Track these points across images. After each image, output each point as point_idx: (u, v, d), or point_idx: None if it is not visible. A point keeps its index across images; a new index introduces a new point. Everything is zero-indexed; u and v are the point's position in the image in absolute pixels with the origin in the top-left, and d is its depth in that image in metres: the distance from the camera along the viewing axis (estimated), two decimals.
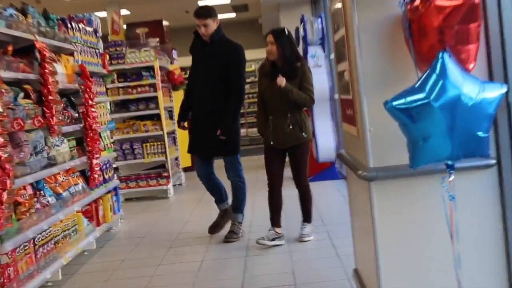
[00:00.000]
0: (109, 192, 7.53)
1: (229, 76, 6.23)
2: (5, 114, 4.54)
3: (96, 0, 14.58)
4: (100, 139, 7.44)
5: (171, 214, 9.04)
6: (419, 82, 2.71)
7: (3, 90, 4.85)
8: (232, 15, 19.60)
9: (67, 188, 6.10)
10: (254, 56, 20.10)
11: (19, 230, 4.87)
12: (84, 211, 6.66)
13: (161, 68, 10.65)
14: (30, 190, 5.21)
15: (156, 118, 10.16)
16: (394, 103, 2.68)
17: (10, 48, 5.09)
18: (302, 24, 9.66)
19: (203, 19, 6.21)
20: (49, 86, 5.49)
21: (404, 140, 2.79)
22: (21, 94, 5.29)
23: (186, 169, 11.79)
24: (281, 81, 5.69)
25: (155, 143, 10.06)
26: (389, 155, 3.10)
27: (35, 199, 5.32)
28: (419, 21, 2.81)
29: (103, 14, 14.67)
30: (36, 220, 5.18)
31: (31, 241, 5.14)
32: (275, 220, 6.13)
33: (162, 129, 10.06)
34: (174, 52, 13.22)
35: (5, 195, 4.42)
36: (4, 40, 5.21)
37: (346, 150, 3.96)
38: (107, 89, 9.41)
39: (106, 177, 7.44)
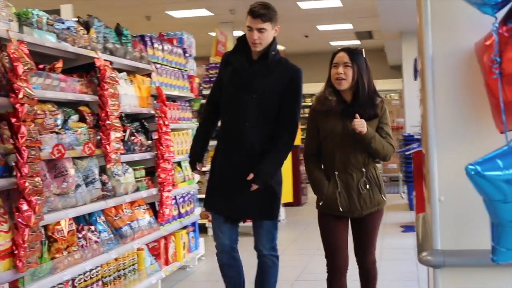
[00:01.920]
0: (185, 227, 7.02)
1: (281, 107, 4.51)
2: (37, 139, 4.09)
3: (210, 19, 14.42)
4: (180, 169, 7.02)
5: None
6: None
7: (47, 112, 4.47)
8: (357, 42, 18.94)
9: (128, 222, 5.63)
10: (378, 87, 19.35)
11: (52, 270, 4.44)
12: (151, 248, 6.18)
13: None
14: (72, 225, 4.76)
15: None
16: (485, 171, 1.87)
17: (59, 64, 4.69)
18: None
19: (261, 21, 4.34)
20: (107, 110, 5.05)
21: (486, 216, 2.04)
22: (74, 117, 4.88)
23: (287, 204, 11.17)
24: (361, 124, 4.01)
25: None
26: (464, 235, 2.37)
27: (80, 235, 4.87)
28: None
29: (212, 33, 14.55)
30: (77, 259, 4.73)
31: (69, 283, 4.70)
32: None
33: None
34: None
35: (27, 233, 3.98)
36: (57, 56, 4.83)
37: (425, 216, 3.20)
38: (198, 114, 9.01)
39: (183, 211, 6.94)
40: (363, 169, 4.18)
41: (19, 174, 4.02)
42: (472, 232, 2.34)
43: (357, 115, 4.04)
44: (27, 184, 4.01)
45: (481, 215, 2.18)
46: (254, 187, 4.42)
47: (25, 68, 4.09)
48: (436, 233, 2.39)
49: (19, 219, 4.01)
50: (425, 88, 2.47)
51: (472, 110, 2.35)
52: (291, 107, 4.52)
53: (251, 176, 4.39)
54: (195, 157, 4.79)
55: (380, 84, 20.00)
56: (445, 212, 2.38)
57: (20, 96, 4.02)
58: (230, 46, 12.66)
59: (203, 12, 13.97)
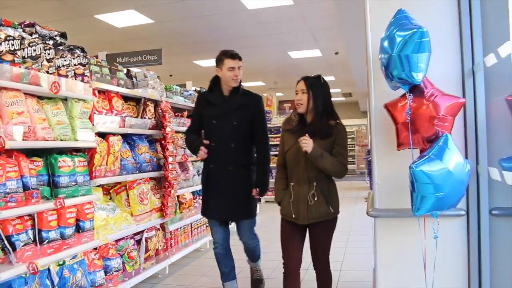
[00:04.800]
0: None
1: (255, 129, 3.29)
2: (174, 152, 4.37)
3: (261, 88, 14.61)
4: None
5: None
6: (436, 153, 2.03)
7: (179, 138, 4.73)
8: (342, 99, 18.85)
9: None
10: (355, 123, 19.01)
11: (181, 218, 4.69)
12: None
13: None
14: (190, 196, 5.01)
15: None
16: (423, 168, 1.97)
17: (185, 113, 4.96)
18: None
19: (239, 60, 3.24)
20: None
21: (402, 190, 2.24)
22: None
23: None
24: (306, 143, 2.66)
25: None
26: (390, 201, 2.49)
27: (195, 201, 5.13)
28: (417, 110, 2.24)
29: (265, 94, 14.73)
30: (193, 213, 4.98)
31: (189, 225, 4.95)
32: None
33: None
34: None
35: (169, 199, 4.25)
36: (184, 108, 5.10)
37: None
38: None
39: None
40: (314, 183, 2.75)
41: (165, 169, 4.21)
42: (395, 199, 2.43)
43: (307, 135, 2.69)
44: (169, 174, 4.21)
45: (399, 191, 2.32)
46: (258, 197, 3.32)
47: (169, 115, 4.30)
48: (375, 200, 2.52)
49: (165, 192, 4.22)
50: (369, 123, 2.59)
51: (393, 136, 2.50)
52: (262, 128, 3.33)
53: (255, 191, 3.28)
54: (199, 143, 3.30)
55: (356, 121, 19.78)
56: (380, 189, 2.50)
57: (166, 130, 4.23)
58: (274, 102, 12.85)
59: (259, 83, 14.09)
